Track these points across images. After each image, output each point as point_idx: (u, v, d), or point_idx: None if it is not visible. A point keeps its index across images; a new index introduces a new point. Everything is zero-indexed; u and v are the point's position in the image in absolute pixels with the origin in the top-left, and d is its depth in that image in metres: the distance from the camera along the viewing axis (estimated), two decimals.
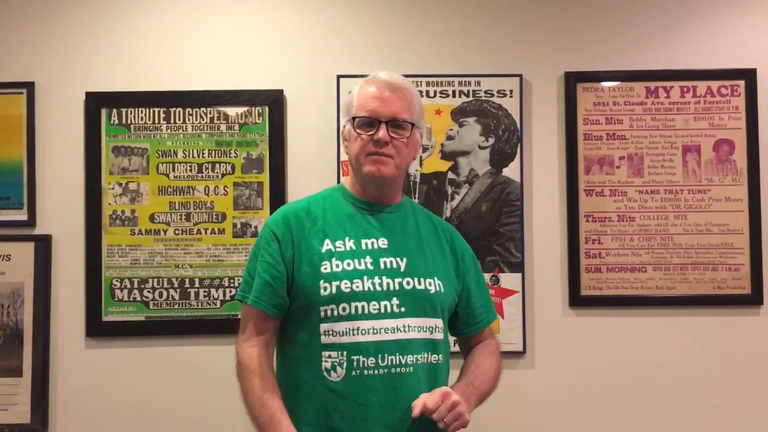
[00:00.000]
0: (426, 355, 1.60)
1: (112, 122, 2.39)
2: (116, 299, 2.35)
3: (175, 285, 2.37)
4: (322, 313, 1.57)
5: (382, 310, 1.57)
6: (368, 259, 1.61)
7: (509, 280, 2.38)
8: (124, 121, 2.39)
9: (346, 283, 1.57)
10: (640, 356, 2.39)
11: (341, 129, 1.75)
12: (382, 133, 1.60)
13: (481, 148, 2.42)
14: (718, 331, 2.39)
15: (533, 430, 2.39)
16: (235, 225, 2.39)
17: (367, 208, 1.69)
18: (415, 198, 2.38)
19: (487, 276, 2.35)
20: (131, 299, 2.36)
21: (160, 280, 2.36)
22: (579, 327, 2.40)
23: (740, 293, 2.38)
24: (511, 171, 2.41)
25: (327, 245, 1.61)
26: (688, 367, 2.39)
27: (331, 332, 1.56)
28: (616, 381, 2.39)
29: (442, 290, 1.66)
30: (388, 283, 1.60)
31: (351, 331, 1.55)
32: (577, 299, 2.39)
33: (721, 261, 2.39)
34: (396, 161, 1.63)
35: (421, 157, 2.40)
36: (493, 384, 1.71)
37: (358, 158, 1.64)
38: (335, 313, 1.57)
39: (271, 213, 2.31)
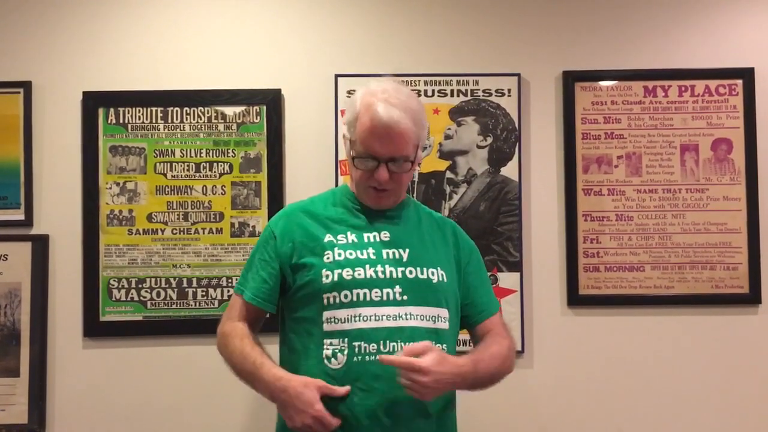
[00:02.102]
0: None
1: (109, 122, 2.38)
2: (114, 299, 2.35)
3: (173, 285, 2.36)
4: (325, 301, 1.60)
5: (384, 298, 1.59)
6: (371, 250, 1.63)
7: (507, 279, 2.38)
8: (121, 121, 2.39)
9: (348, 271, 1.60)
10: (639, 355, 2.39)
11: (342, 135, 1.72)
12: (382, 174, 1.60)
13: (479, 147, 2.42)
14: (716, 330, 2.39)
15: (532, 429, 2.38)
16: (233, 224, 2.38)
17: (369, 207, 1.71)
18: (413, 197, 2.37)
19: None
20: (129, 299, 2.35)
21: (158, 279, 2.36)
22: (577, 326, 2.40)
23: (738, 292, 2.38)
24: (509, 170, 2.41)
25: (329, 238, 1.65)
26: (686, 367, 2.39)
27: (333, 319, 1.58)
28: (614, 380, 2.39)
29: (446, 280, 1.67)
30: (390, 272, 1.61)
31: (352, 318, 1.57)
32: (576, 298, 2.39)
33: (719, 260, 2.39)
34: (397, 191, 1.67)
35: None
36: (498, 371, 1.67)
37: (358, 186, 1.68)
38: (337, 300, 1.59)
39: (269, 212, 2.33)
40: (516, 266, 2.39)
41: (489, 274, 2.35)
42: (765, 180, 2.40)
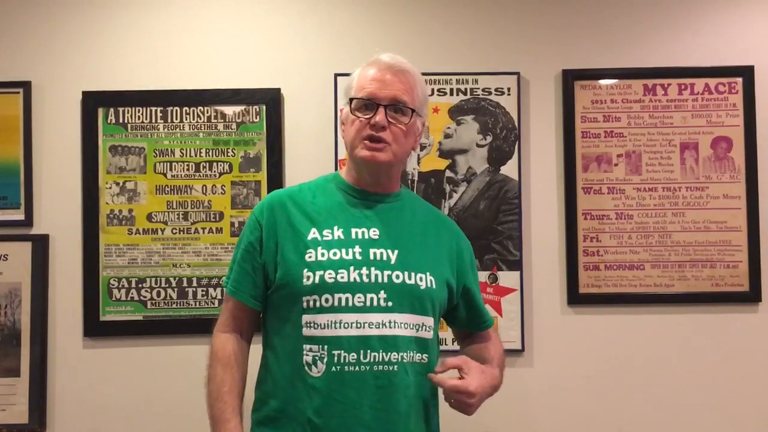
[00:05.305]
0: (413, 354, 1.53)
1: (109, 121, 2.39)
2: (114, 299, 2.35)
3: (173, 284, 2.36)
4: (305, 304, 1.51)
5: (368, 303, 1.50)
6: (357, 249, 1.53)
7: (508, 278, 2.38)
8: (121, 121, 2.39)
9: (330, 273, 1.50)
10: (639, 354, 2.39)
11: (339, 113, 1.68)
12: (380, 117, 1.53)
13: (479, 146, 2.42)
14: (716, 328, 2.39)
15: (532, 428, 2.39)
16: (232, 224, 2.38)
17: (360, 196, 1.61)
18: None
19: (485, 274, 2.36)
20: (129, 299, 2.35)
21: (158, 279, 2.36)
22: (577, 325, 2.40)
23: (738, 290, 2.38)
24: (509, 169, 2.41)
25: (314, 233, 1.55)
26: (686, 365, 2.39)
27: (312, 324, 1.50)
28: (614, 379, 2.39)
29: (434, 286, 1.58)
30: (376, 275, 1.52)
31: (333, 324, 1.49)
32: (576, 297, 2.39)
33: (719, 258, 2.39)
34: (393, 148, 1.55)
35: (418, 155, 2.40)
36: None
37: (354, 142, 1.56)
38: (317, 304, 1.49)
39: None
40: (516, 265, 2.39)
41: (489, 273, 2.37)
42: (765, 178, 2.40)
